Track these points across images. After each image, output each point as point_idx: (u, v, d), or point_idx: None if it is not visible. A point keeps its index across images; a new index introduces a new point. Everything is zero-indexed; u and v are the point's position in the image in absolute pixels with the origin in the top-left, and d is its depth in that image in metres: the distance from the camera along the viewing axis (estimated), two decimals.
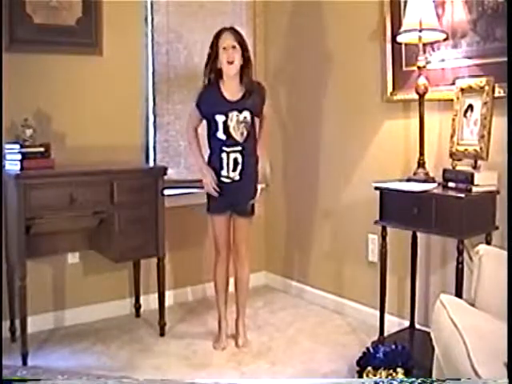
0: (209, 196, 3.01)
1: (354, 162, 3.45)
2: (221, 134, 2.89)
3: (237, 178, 2.91)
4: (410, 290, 3.07)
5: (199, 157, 3.01)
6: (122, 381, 2.62)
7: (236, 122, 2.88)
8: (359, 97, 3.40)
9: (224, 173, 2.92)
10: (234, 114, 2.88)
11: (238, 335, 3.12)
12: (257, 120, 3.02)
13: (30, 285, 2.88)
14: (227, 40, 2.85)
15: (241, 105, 2.89)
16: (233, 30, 2.91)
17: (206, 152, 3.02)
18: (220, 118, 2.88)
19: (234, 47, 2.85)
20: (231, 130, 2.88)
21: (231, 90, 2.91)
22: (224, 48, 2.85)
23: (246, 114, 2.90)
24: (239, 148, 2.90)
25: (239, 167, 2.91)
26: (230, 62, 2.84)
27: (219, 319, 3.14)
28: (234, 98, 2.90)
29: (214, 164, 2.94)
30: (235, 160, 2.90)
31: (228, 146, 2.90)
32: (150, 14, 3.59)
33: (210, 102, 2.92)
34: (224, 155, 2.90)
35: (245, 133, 2.91)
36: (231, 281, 3.19)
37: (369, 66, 3.30)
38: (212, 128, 2.93)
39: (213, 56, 2.89)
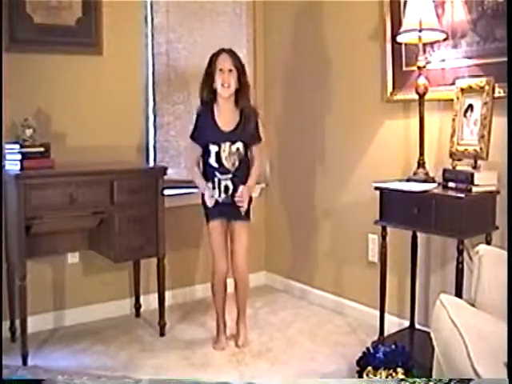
0: (205, 206, 3.02)
1: (354, 162, 3.45)
2: (213, 162, 2.95)
3: (228, 200, 2.94)
4: (410, 290, 3.07)
5: (200, 178, 3.01)
6: (123, 381, 2.62)
7: (228, 153, 2.93)
8: (359, 97, 3.40)
9: (216, 194, 2.94)
10: (226, 145, 2.92)
11: (238, 336, 3.12)
12: (252, 147, 3.03)
13: (29, 285, 2.88)
14: (224, 62, 2.89)
15: (234, 136, 2.94)
16: (231, 52, 2.95)
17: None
18: (213, 148, 2.93)
19: (230, 70, 2.88)
20: (223, 160, 2.93)
21: (225, 116, 2.95)
22: (220, 69, 2.88)
23: (239, 145, 2.95)
24: (230, 176, 2.95)
25: (230, 191, 2.95)
26: (225, 86, 2.87)
27: (217, 320, 3.15)
28: (227, 129, 2.94)
29: (208, 181, 2.97)
30: (226, 186, 2.95)
31: (220, 174, 2.95)
32: (150, 14, 3.59)
33: (203, 131, 2.97)
34: (216, 180, 2.95)
35: (236, 163, 2.95)
36: (230, 281, 3.19)
37: (369, 66, 3.30)
38: (205, 153, 2.98)
39: (209, 75, 2.92)
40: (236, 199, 2.93)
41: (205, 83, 2.94)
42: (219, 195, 2.94)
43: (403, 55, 3.06)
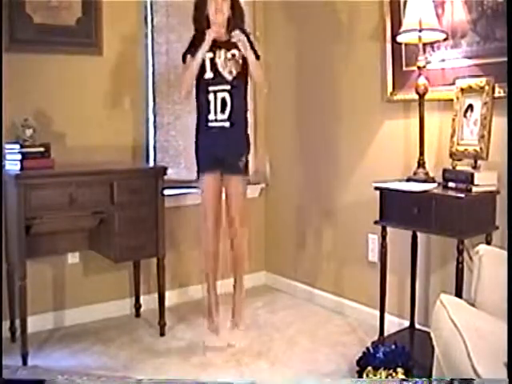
0: (197, 152, 2.87)
1: (354, 162, 3.45)
2: (208, 73, 2.76)
3: (226, 124, 2.76)
4: (410, 290, 3.07)
5: (189, 67, 2.80)
6: (123, 381, 2.62)
7: (224, 59, 2.77)
8: (359, 97, 3.40)
9: (211, 116, 2.77)
10: (221, 52, 2.78)
11: (234, 312, 2.99)
12: (251, 65, 2.82)
13: (29, 285, 2.88)
14: None
15: (229, 44, 2.79)
16: None
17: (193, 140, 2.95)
18: (207, 56, 2.76)
19: None
20: (219, 66, 2.76)
21: (220, 33, 2.81)
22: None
23: (235, 51, 2.80)
24: (227, 87, 2.76)
25: (228, 109, 2.75)
26: (218, 12, 2.76)
27: (208, 294, 3.00)
28: (221, 39, 2.81)
29: (202, 109, 2.79)
30: (223, 100, 2.75)
31: (215, 85, 2.76)
32: (150, 14, 3.59)
33: (197, 46, 2.79)
34: (211, 96, 2.75)
35: (234, 71, 2.78)
36: (228, 282, 3.19)
37: (369, 66, 3.30)
38: (199, 71, 2.79)
39: (202, 4, 2.81)
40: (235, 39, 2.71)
41: (198, 11, 2.83)
42: (215, 113, 2.73)
43: (403, 55, 3.06)
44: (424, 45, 2.81)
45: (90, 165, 3.20)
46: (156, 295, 3.26)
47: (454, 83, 2.76)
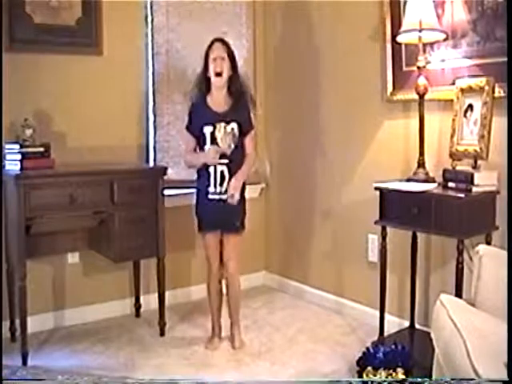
0: (199, 215, 3.05)
1: (354, 162, 3.45)
2: (208, 146, 2.93)
3: (224, 197, 2.93)
4: (409, 290, 3.07)
5: (195, 154, 3.03)
6: (123, 381, 2.62)
7: (224, 134, 2.92)
8: (359, 97, 3.40)
9: (211, 189, 2.95)
10: (221, 126, 2.92)
11: (233, 338, 3.11)
12: (246, 142, 3.02)
13: (30, 285, 2.88)
14: (217, 50, 2.92)
15: (228, 116, 2.94)
16: (222, 41, 2.98)
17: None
18: (207, 129, 2.92)
19: (222, 58, 2.91)
20: (219, 141, 2.92)
21: (219, 101, 2.97)
22: (214, 59, 2.91)
23: (234, 125, 2.94)
24: (226, 161, 2.93)
25: (225, 182, 2.93)
26: (218, 74, 2.90)
27: (212, 321, 3.16)
28: (221, 110, 2.95)
29: (203, 179, 2.98)
30: (222, 173, 2.93)
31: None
32: (150, 14, 3.59)
33: (197, 115, 2.98)
34: (211, 169, 2.93)
35: (232, 145, 2.94)
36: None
37: (369, 66, 3.30)
38: (200, 143, 2.97)
39: (204, 67, 2.95)
40: (228, 194, 2.89)
41: (202, 74, 2.97)
42: (214, 186, 2.91)
43: (403, 55, 3.06)
44: (424, 45, 2.81)
45: (90, 165, 3.20)
46: (156, 295, 3.26)
47: (453, 83, 2.76)
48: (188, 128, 3.03)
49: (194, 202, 3.09)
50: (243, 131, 2.98)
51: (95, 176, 3.01)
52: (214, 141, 2.91)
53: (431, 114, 2.89)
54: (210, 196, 2.95)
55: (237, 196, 2.91)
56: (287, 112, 3.99)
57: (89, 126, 3.37)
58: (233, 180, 2.91)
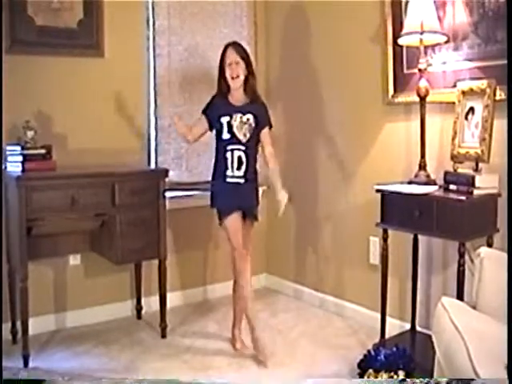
0: (217, 204, 3.02)
1: (356, 165, 3.45)
2: (225, 134, 3.00)
3: (241, 181, 2.99)
4: (411, 293, 3.07)
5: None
6: (124, 382, 2.62)
7: (239, 123, 2.99)
8: (360, 99, 3.40)
9: (229, 172, 2.99)
10: (237, 116, 3.00)
11: (258, 351, 3.00)
12: (262, 136, 3.06)
13: (31, 286, 2.88)
14: (231, 55, 3.01)
15: (245, 108, 3.03)
16: (236, 44, 3.08)
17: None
18: (224, 119, 3.00)
19: (237, 63, 3.00)
20: (234, 129, 2.98)
21: (237, 98, 3.06)
22: (229, 64, 3.00)
23: (249, 116, 3.01)
24: (242, 147, 3.00)
25: (243, 167, 2.99)
26: (235, 77, 3.00)
27: (233, 325, 3.17)
28: (238, 103, 3.05)
29: (220, 165, 3.02)
30: (239, 158, 2.99)
31: (232, 144, 2.99)
32: (152, 17, 3.60)
33: (216, 108, 3.06)
34: (228, 154, 2.99)
35: (247, 134, 3.00)
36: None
37: (370, 68, 3.30)
38: (218, 133, 3.04)
39: (221, 69, 3.05)
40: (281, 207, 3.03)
41: (220, 77, 3.07)
42: (232, 170, 2.98)
43: (404, 58, 3.07)
44: (425, 47, 2.81)
45: (92, 167, 3.20)
46: (157, 297, 3.26)
47: (455, 86, 2.76)
48: (204, 111, 3.10)
49: (209, 195, 3.06)
50: (259, 124, 3.04)
51: (97, 178, 3.01)
52: (230, 129, 2.99)
53: (432, 117, 2.89)
54: (229, 179, 3.00)
55: (285, 201, 3.06)
56: (288, 114, 3.99)
57: (90, 128, 3.38)
58: (282, 192, 3.05)
